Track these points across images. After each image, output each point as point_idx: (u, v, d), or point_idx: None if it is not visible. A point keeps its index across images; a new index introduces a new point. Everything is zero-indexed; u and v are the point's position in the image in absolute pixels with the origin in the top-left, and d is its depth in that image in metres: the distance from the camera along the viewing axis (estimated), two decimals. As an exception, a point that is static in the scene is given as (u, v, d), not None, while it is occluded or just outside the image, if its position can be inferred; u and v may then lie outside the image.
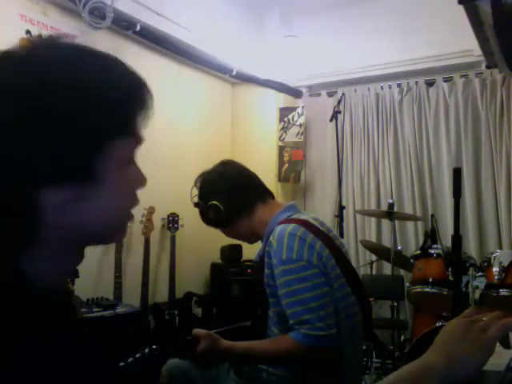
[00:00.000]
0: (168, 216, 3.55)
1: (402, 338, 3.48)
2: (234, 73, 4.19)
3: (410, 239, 4.08)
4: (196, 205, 1.69)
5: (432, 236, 3.04)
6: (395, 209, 3.42)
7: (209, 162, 1.76)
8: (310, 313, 1.41)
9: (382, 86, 4.31)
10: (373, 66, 4.22)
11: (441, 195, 4.04)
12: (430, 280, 2.87)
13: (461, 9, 2.57)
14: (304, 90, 4.70)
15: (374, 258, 3.76)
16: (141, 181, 0.69)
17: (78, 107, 0.59)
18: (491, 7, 2.20)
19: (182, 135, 3.92)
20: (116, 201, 0.64)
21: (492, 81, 3.85)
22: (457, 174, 1.69)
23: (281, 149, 4.44)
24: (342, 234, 3.30)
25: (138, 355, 1.21)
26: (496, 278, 2.70)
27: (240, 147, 4.45)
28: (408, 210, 4.07)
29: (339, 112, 3.56)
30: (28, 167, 0.57)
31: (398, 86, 4.23)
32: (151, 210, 3.35)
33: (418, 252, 3.12)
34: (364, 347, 3.06)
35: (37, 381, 0.57)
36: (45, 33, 2.80)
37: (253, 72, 4.34)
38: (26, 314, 0.58)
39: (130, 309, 2.80)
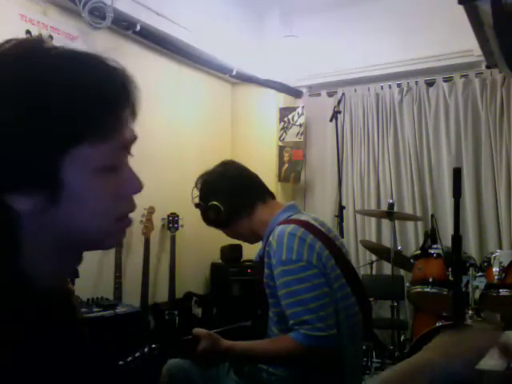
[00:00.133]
0: (168, 216, 3.55)
1: (402, 337, 3.48)
2: (234, 73, 4.19)
3: (410, 239, 4.08)
4: (197, 205, 1.70)
5: (432, 236, 3.04)
6: (395, 209, 3.42)
7: (209, 162, 1.76)
8: (310, 313, 1.41)
9: (382, 86, 4.31)
10: (373, 65, 4.22)
11: (441, 195, 4.03)
12: (430, 280, 2.87)
13: (461, 9, 2.56)
14: (304, 90, 4.70)
15: (374, 258, 3.76)
16: (134, 185, 0.66)
17: (36, 112, 0.56)
18: (491, 7, 2.20)
19: (181, 135, 3.92)
20: (95, 206, 0.62)
21: (492, 81, 3.85)
22: (457, 174, 1.70)
23: (281, 149, 4.44)
24: (342, 234, 3.30)
25: (137, 354, 1.21)
26: (496, 278, 2.70)
27: (240, 147, 4.45)
28: (408, 210, 4.07)
29: (339, 112, 3.56)
30: None
31: (398, 86, 4.23)
32: (151, 210, 3.35)
33: (418, 252, 3.11)
34: (364, 347, 3.06)
35: (37, 381, 0.57)
36: (45, 33, 2.80)
37: (253, 72, 4.34)
38: (26, 314, 0.58)
39: (130, 309, 2.80)
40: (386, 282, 3.69)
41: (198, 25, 3.71)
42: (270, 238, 1.52)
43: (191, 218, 2.96)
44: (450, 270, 2.75)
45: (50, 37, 2.83)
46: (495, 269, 2.72)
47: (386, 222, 4.09)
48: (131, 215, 0.69)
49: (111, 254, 3.11)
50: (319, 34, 4.43)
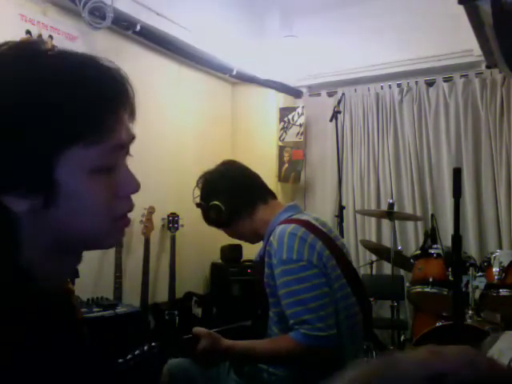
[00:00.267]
0: (168, 216, 3.55)
1: (402, 337, 3.48)
2: (234, 73, 4.19)
3: (410, 239, 4.08)
4: (198, 205, 1.70)
5: (432, 236, 3.04)
6: (395, 209, 3.42)
7: (209, 162, 1.76)
8: (310, 313, 1.41)
9: (382, 86, 4.30)
10: (373, 65, 4.22)
11: (441, 195, 4.03)
12: (430, 280, 2.87)
13: (461, 9, 2.56)
14: (304, 90, 4.70)
15: (374, 257, 3.76)
16: (132, 185, 0.66)
17: (34, 112, 0.56)
18: (491, 7, 2.20)
19: (181, 135, 3.92)
20: (93, 206, 0.62)
21: (492, 81, 3.85)
22: (457, 174, 1.70)
23: (281, 149, 4.44)
24: (342, 234, 3.30)
25: (137, 352, 1.21)
26: (496, 278, 2.70)
27: (240, 147, 4.45)
28: (408, 209, 4.07)
29: (339, 112, 3.56)
30: None
31: (398, 86, 4.23)
32: (151, 210, 3.35)
33: (418, 252, 3.12)
34: (364, 347, 3.05)
35: (37, 381, 0.57)
36: (45, 33, 2.80)
37: (253, 72, 4.33)
38: (26, 314, 0.58)
39: (130, 309, 2.80)
40: (386, 281, 3.69)
41: (198, 25, 3.71)
42: (271, 238, 1.52)
43: (191, 217, 2.96)
44: (450, 270, 2.75)
45: (50, 37, 2.82)
46: (495, 269, 2.72)
47: (385, 222, 4.09)
48: (129, 215, 0.70)
49: (111, 253, 3.11)
50: (319, 33, 4.43)
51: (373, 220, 4.21)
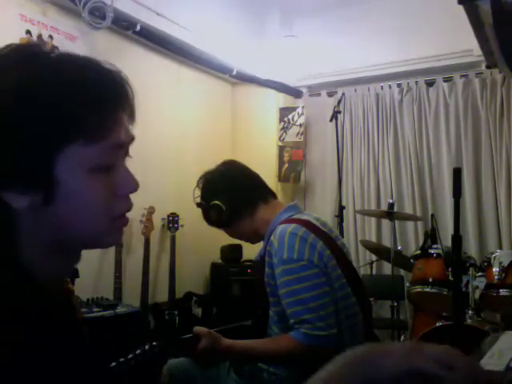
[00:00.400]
0: (168, 216, 3.55)
1: (402, 338, 3.48)
2: (234, 73, 4.19)
3: (410, 239, 4.08)
4: (198, 205, 1.70)
5: (432, 236, 3.04)
6: (395, 209, 3.42)
7: (209, 162, 1.76)
8: (310, 312, 1.41)
9: (382, 86, 4.30)
10: (373, 65, 4.22)
11: (441, 195, 4.03)
12: (430, 280, 2.87)
13: (461, 9, 2.56)
14: (304, 90, 4.70)
15: (374, 257, 3.76)
16: (130, 184, 0.67)
17: (35, 111, 0.57)
18: (491, 7, 2.20)
19: (181, 135, 3.92)
20: (91, 204, 0.63)
21: (492, 81, 3.85)
22: (457, 174, 1.69)
23: (281, 149, 4.44)
24: (342, 234, 3.30)
25: (137, 351, 1.21)
26: (496, 277, 2.70)
27: (240, 147, 4.45)
28: (408, 210, 4.07)
29: (339, 112, 3.56)
30: None
31: (398, 86, 4.23)
32: (151, 210, 3.35)
33: (418, 252, 3.11)
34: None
35: (37, 381, 0.57)
36: (45, 33, 2.80)
37: (253, 72, 4.33)
38: (26, 314, 0.58)
39: (130, 309, 2.80)
40: (386, 281, 3.69)
41: (198, 25, 3.71)
42: (272, 238, 1.52)
43: (191, 217, 2.96)
44: (450, 270, 2.74)
45: (50, 37, 2.82)
46: (495, 269, 2.72)
47: (385, 222, 4.09)
48: (129, 215, 0.70)
49: (111, 253, 3.11)
50: (319, 33, 4.43)
51: (373, 220, 4.21)
